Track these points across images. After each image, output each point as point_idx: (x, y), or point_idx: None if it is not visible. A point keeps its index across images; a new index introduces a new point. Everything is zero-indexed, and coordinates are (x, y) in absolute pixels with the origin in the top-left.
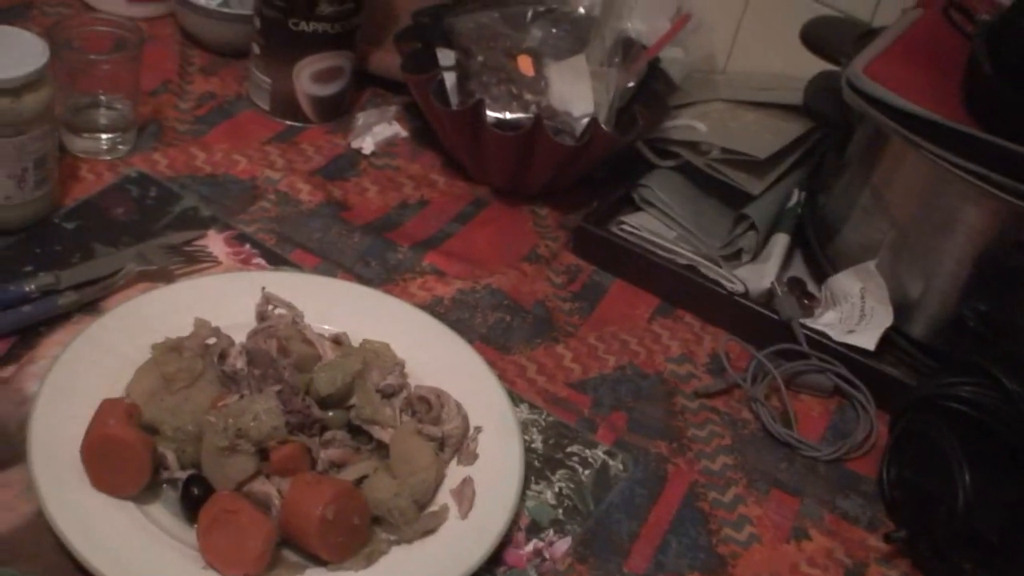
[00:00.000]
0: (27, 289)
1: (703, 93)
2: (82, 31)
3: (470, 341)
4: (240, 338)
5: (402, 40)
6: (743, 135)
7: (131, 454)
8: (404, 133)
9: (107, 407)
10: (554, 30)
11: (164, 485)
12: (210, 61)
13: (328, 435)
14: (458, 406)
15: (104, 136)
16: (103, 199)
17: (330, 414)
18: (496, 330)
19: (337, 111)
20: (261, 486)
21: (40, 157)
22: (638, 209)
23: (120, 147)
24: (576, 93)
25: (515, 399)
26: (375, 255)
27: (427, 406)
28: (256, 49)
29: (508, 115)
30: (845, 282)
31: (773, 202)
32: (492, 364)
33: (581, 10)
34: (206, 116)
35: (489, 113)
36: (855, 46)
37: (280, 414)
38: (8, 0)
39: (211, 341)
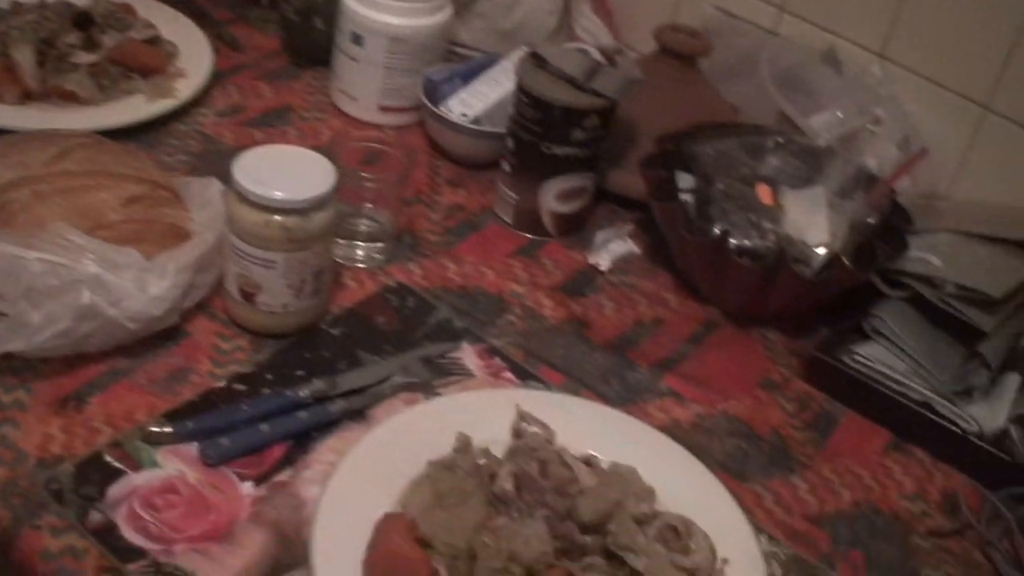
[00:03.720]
0: (301, 395)
1: (926, 221)
2: (348, 147)
3: (709, 468)
4: (497, 452)
5: (648, 167)
6: (977, 271)
7: (414, 570)
8: (638, 251)
9: (389, 522)
10: (792, 160)
11: None
12: (456, 173)
13: (587, 560)
14: (705, 536)
15: (362, 244)
16: (367, 307)
17: (589, 539)
18: (734, 457)
19: (576, 227)
20: None
21: (319, 270)
22: (867, 339)
23: (376, 256)
24: (812, 223)
25: (755, 530)
26: (615, 374)
27: (675, 534)
28: (506, 167)
29: (747, 242)
30: None
31: (1004, 339)
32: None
33: (820, 142)
34: (456, 228)
35: (731, 240)
36: None
37: (548, 539)
38: (268, 104)
39: (481, 462)
